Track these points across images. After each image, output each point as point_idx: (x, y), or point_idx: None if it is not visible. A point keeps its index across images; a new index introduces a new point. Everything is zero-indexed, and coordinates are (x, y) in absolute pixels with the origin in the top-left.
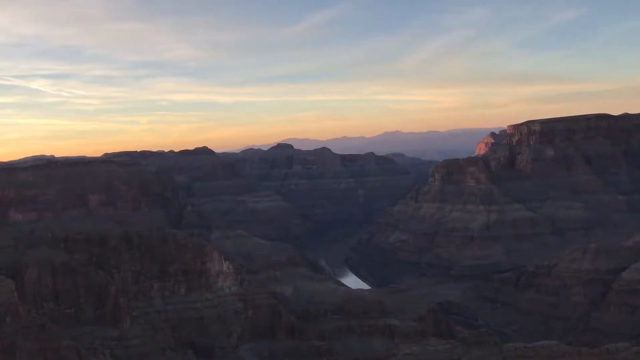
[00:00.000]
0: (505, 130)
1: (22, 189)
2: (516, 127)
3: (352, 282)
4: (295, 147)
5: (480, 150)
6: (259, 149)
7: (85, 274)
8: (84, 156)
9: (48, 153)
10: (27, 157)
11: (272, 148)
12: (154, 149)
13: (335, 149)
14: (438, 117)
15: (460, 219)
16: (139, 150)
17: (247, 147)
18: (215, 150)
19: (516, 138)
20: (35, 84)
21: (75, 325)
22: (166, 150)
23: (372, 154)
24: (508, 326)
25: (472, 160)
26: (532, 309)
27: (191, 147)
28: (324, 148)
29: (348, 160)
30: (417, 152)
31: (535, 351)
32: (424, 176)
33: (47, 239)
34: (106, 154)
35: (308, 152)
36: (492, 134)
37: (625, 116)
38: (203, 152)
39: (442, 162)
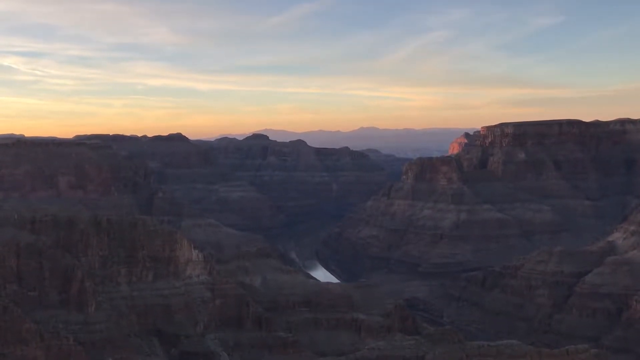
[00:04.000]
0: (479, 131)
1: None
2: (490, 129)
3: (322, 275)
4: (270, 138)
5: (454, 150)
6: (234, 139)
7: (51, 256)
8: (55, 137)
9: (18, 132)
10: None
11: (247, 138)
12: (127, 133)
13: (311, 142)
14: (414, 116)
15: (430, 217)
16: (111, 133)
17: (222, 136)
18: (190, 138)
19: (489, 140)
20: (7, 61)
21: (39, 308)
22: (139, 135)
23: (347, 148)
24: (473, 325)
25: (445, 160)
26: (497, 309)
27: (165, 133)
28: (299, 140)
29: (323, 154)
30: (392, 149)
31: (497, 350)
32: (398, 173)
33: (13, 219)
34: (78, 136)
35: (283, 144)
36: (466, 135)
37: (596, 123)
38: (177, 139)
39: (415, 160)
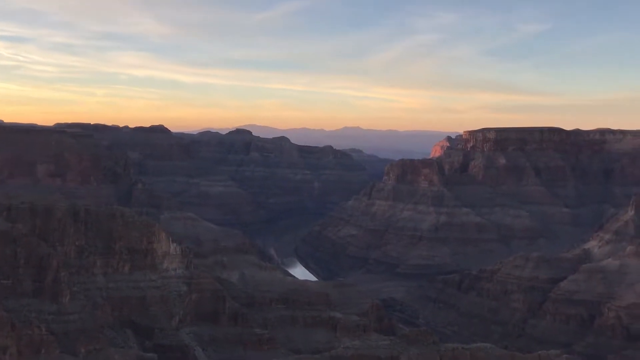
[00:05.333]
0: (462, 135)
1: None
2: (472, 133)
3: (300, 273)
4: (254, 133)
5: (436, 153)
6: (217, 133)
7: (27, 244)
8: (35, 124)
9: None
10: None
11: (230, 132)
12: (109, 123)
13: (294, 140)
14: (398, 117)
15: (410, 218)
16: (93, 123)
17: (205, 130)
18: (172, 130)
19: (471, 144)
20: None
21: (12, 297)
22: (121, 126)
23: (330, 147)
24: (448, 326)
25: (426, 162)
26: (473, 312)
27: (147, 125)
28: (282, 137)
29: (306, 151)
30: (375, 149)
31: (471, 353)
32: (380, 174)
33: None
34: (58, 124)
35: (266, 140)
36: (449, 138)
37: (577, 132)
38: (159, 131)
39: (397, 162)
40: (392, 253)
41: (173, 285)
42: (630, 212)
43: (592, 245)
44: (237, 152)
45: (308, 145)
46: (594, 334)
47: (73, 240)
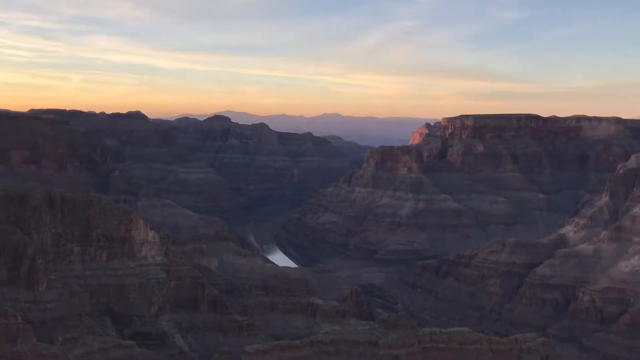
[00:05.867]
0: (440, 122)
1: None
2: (450, 120)
3: (280, 259)
4: (232, 120)
5: (415, 140)
6: (195, 119)
7: (1, 232)
8: (8, 110)
9: None
10: None
11: (208, 119)
12: (85, 109)
13: (274, 126)
14: (377, 104)
15: (389, 205)
16: (68, 109)
17: (182, 116)
18: (149, 116)
19: (449, 131)
20: None
21: None
22: (97, 112)
23: (309, 134)
24: (426, 311)
25: (405, 149)
26: (450, 297)
27: (124, 111)
28: (262, 124)
29: (285, 138)
30: (354, 136)
31: (448, 337)
32: (359, 160)
33: None
34: (33, 110)
35: (245, 127)
36: (427, 125)
37: (553, 119)
38: (136, 117)
39: (377, 149)
40: (371, 239)
41: (152, 272)
42: (605, 198)
43: (568, 230)
44: (216, 138)
45: (287, 132)
46: (568, 317)
47: (49, 228)
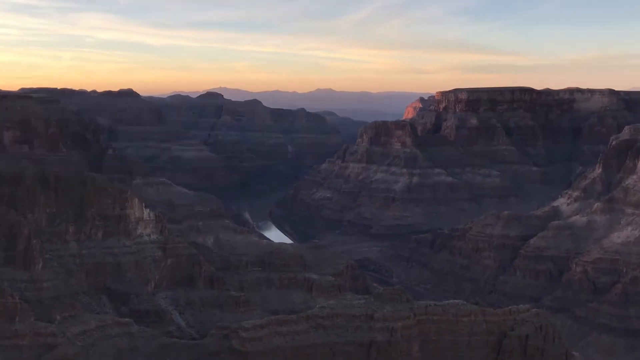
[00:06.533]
0: (434, 96)
1: None
2: (444, 94)
3: (275, 236)
4: (225, 97)
5: (409, 114)
6: (187, 96)
7: None
8: None
9: None
10: None
11: (201, 96)
12: (76, 88)
13: (267, 102)
14: (371, 78)
15: (383, 180)
16: (59, 87)
17: (175, 93)
18: (141, 94)
19: (443, 105)
20: None
21: None
22: (89, 90)
23: (303, 110)
24: (421, 285)
25: (399, 124)
26: (445, 270)
27: (115, 89)
28: (254, 100)
29: (278, 114)
30: (348, 111)
31: (443, 309)
32: (353, 136)
33: None
34: (23, 89)
35: (238, 103)
36: (421, 99)
37: (547, 91)
38: (128, 95)
39: (370, 124)
40: (366, 214)
41: (148, 250)
42: (598, 170)
43: (561, 202)
44: (209, 115)
45: (280, 108)
46: (561, 288)
47: (44, 208)
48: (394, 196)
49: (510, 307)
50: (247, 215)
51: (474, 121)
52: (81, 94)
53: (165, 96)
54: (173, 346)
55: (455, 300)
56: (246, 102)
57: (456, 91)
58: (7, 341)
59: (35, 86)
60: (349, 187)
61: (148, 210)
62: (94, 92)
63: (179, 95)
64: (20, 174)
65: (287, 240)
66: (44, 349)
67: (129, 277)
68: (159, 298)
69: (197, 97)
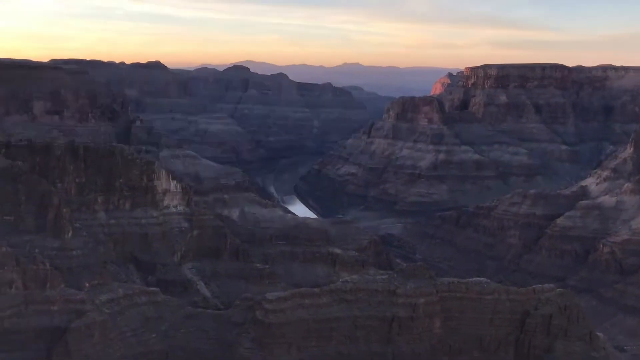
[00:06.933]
0: (462, 72)
1: None
2: (473, 70)
3: (300, 210)
4: (252, 70)
5: (437, 90)
6: (214, 69)
7: (27, 181)
8: (29, 60)
9: None
10: None
11: (227, 69)
12: (105, 59)
13: (293, 76)
14: (398, 53)
15: (409, 156)
16: (88, 59)
17: (202, 66)
18: (168, 66)
19: (472, 81)
20: None
21: (14, 233)
22: (117, 62)
23: (329, 84)
24: (444, 261)
25: (427, 100)
26: (469, 247)
27: (143, 61)
28: (281, 74)
29: (305, 89)
30: (375, 86)
31: (466, 287)
32: (380, 111)
33: None
34: (53, 60)
35: (264, 77)
36: (450, 75)
37: (579, 68)
38: (155, 67)
39: (397, 99)
40: (390, 191)
41: (174, 221)
42: (629, 150)
43: (590, 182)
44: (235, 89)
45: (307, 82)
46: (587, 268)
47: (73, 178)
48: (419, 173)
49: (534, 286)
50: (272, 189)
51: (503, 98)
52: (110, 65)
53: (192, 69)
54: (198, 316)
55: (478, 278)
56: (273, 75)
57: (485, 67)
58: (38, 306)
59: (65, 57)
60: (374, 162)
61: (175, 182)
62: (123, 63)
63: (206, 68)
64: (51, 144)
65: (311, 214)
66: (74, 315)
67: (156, 248)
68: (185, 269)
69: (224, 70)
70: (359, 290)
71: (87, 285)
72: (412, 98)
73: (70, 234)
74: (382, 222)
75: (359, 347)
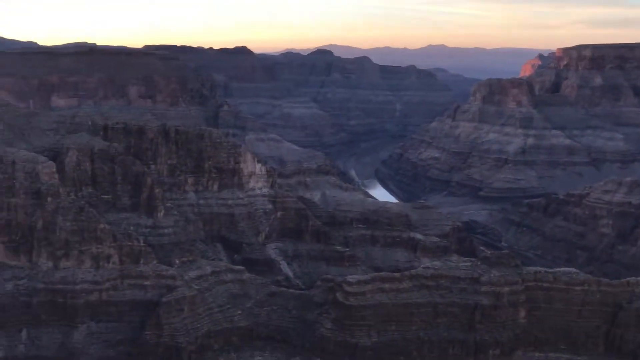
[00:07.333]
0: (554, 53)
1: (64, 75)
2: (566, 51)
3: (381, 194)
4: (335, 54)
5: (526, 72)
6: (298, 54)
7: (123, 162)
8: (125, 46)
9: (90, 40)
10: (69, 44)
11: (311, 53)
12: (194, 45)
13: (376, 59)
14: (485, 34)
15: (496, 140)
16: (179, 44)
17: (287, 51)
18: (254, 51)
19: (564, 62)
20: None
21: (112, 211)
22: (206, 47)
23: (413, 67)
24: (531, 250)
25: (515, 82)
26: (558, 236)
27: (230, 46)
28: (364, 57)
29: (388, 71)
30: (461, 68)
31: (554, 277)
32: (465, 94)
33: (87, 125)
34: (147, 46)
35: (347, 61)
36: (540, 56)
37: None
38: (242, 52)
39: (484, 81)
40: (475, 176)
41: (259, 203)
42: None
43: None
44: (319, 73)
45: (390, 65)
46: None
47: (165, 159)
48: (506, 158)
49: (628, 278)
50: (353, 173)
51: (598, 80)
52: (199, 51)
53: (277, 53)
54: (281, 294)
55: (567, 268)
56: (356, 59)
57: (579, 47)
58: (133, 280)
59: (157, 44)
60: (458, 147)
61: (260, 164)
62: (211, 49)
63: (291, 52)
64: (144, 127)
65: (392, 199)
66: (165, 290)
67: (242, 228)
68: (269, 248)
69: (308, 54)
70: (441, 276)
71: (177, 262)
72: (500, 80)
73: (162, 213)
74: (465, 208)
75: (439, 333)
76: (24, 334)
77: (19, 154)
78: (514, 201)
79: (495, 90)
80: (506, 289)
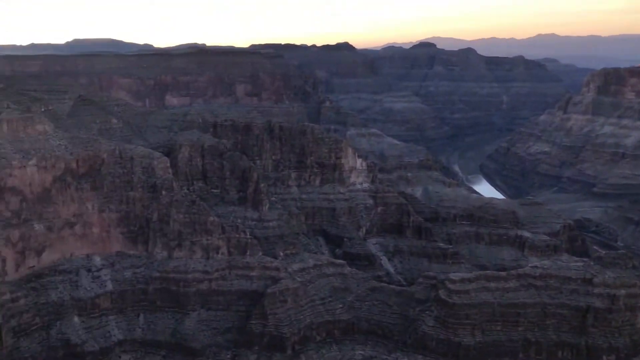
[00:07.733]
0: None
1: (177, 75)
2: None
3: (486, 190)
4: (438, 46)
5: None
6: (400, 47)
7: (231, 158)
8: (233, 46)
9: (200, 42)
10: (181, 45)
11: (413, 47)
12: (298, 43)
13: (481, 51)
14: (600, 20)
15: (612, 134)
16: (283, 43)
17: (388, 45)
18: (356, 47)
19: None
20: None
21: (220, 204)
22: (309, 45)
23: (521, 57)
24: None
25: (635, 71)
26: None
27: (332, 42)
28: (468, 49)
29: (494, 63)
30: (573, 58)
31: None
32: (577, 85)
33: (198, 123)
34: (253, 45)
35: (451, 53)
36: None
37: None
38: (344, 48)
39: (599, 71)
40: (588, 171)
41: (360, 198)
42: None
43: None
44: (421, 66)
45: (496, 56)
46: None
47: (270, 155)
48: (624, 152)
49: None
50: (456, 168)
51: None
52: (302, 48)
53: (379, 48)
54: (382, 290)
55: None
56: (459, 51)
57: None
58: (240, 271)
59: (262, 42)
60: (570, 140)
61: (361, 159)
62: (314, 46)
63: (392, 46)
64: (251, 124)
65: (498, 195)
66: (270, 281)
67: (343, 222)
68: (370, 243)
69: (410, 48)
70: (550, 276)
71: (282, 254)
72: (617, 69)
73: (267, 207)
74: (578, 205)
75: (547, 336)
76: (141, 318)
77: (136, 150)
78: (631, 198)
79: (612, 80)
80: (622, 291)
